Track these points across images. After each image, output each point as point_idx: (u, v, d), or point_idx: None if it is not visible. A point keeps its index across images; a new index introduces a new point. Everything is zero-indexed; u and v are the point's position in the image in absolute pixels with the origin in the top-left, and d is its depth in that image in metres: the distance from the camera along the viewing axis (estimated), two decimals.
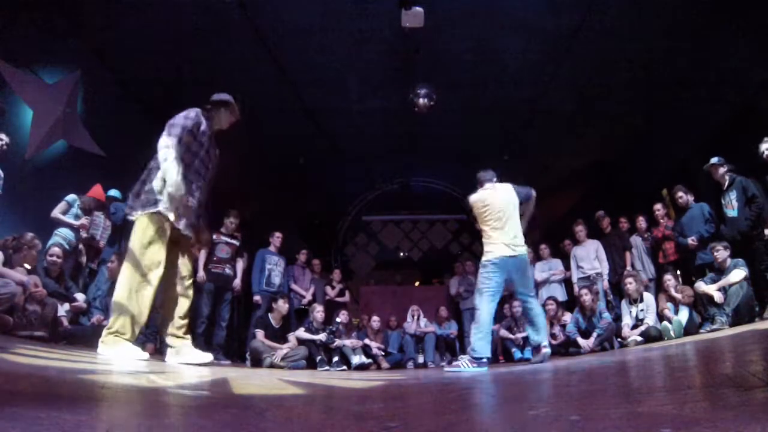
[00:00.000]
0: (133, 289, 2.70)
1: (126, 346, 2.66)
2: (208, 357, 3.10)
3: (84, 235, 4.77)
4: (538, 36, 5.25)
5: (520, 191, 4.00)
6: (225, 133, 3.35)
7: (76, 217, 4.73)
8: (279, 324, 5.25)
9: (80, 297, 4.32)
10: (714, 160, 4.92)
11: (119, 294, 2.70)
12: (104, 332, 2.71)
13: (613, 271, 5.80)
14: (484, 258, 3.88)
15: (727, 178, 4.82)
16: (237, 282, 5.56)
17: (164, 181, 2.74)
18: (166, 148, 2.77)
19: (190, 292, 3.09)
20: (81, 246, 4.85)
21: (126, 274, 2.73)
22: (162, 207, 2.78)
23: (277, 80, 5.86)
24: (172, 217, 2.80)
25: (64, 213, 4.67)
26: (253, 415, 1.18)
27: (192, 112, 2.98)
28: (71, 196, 4.75)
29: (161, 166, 2.76)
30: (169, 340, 3.01)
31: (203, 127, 3.04)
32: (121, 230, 4.83)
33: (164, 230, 2.81)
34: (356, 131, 7.14)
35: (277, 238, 6.21)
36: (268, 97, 6.19)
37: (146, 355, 2.79)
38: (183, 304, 3.02)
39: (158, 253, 2.78)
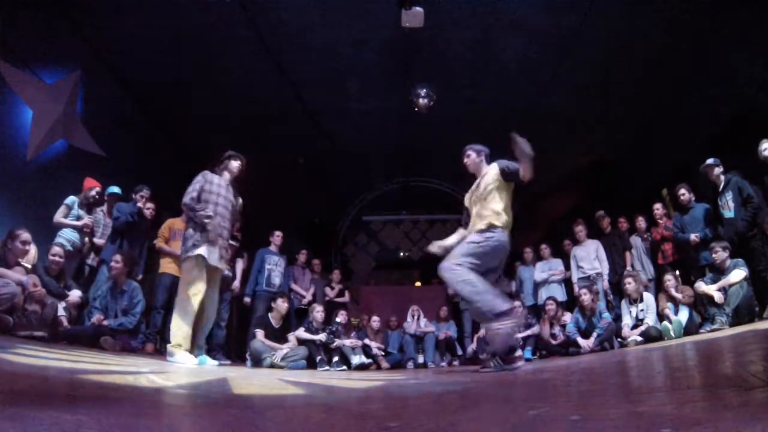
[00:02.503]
0: (185, 312, 3.46)
1: (185, 354, 3.40)
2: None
3: (87, 231, 4.78)
4: (538, 36, 5.25)
5: (500, 163, 3.33)
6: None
7: (78, 218, 4.74)
8: (279, 324, 5.25)
9: (75, 293, 4.28)
10: (709, 160, 4.90)
11: (177, 317, 3.47)
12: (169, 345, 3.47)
13: (613, 271, 5.79)
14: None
15: (722, 178, 4.82)
16: (236, 284, 5.55)
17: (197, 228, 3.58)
18: (185, 206, 3.65)
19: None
20: (85, 246, 4.86)
21: (180, 302, 3.51)
22: (198, 251, 3.54)
23: (277, 80, 5.86)
24: (206, 253, 3.56)
25: (65, 216, 4.68)
26: (253, 415, 1.18)
27: (198, 177, 3.72)
28: (70, 198, 4.75)
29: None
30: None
31: (216, 180, 3.79)
32: (123, 232, 4.82)
33: (202, 267, 3.56)
34: (356, 131, 7.14)
35: (277, 237, 6.16)
36: (268, 97, 6.20)
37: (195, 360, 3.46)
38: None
39: (200, 285, 3.54)
